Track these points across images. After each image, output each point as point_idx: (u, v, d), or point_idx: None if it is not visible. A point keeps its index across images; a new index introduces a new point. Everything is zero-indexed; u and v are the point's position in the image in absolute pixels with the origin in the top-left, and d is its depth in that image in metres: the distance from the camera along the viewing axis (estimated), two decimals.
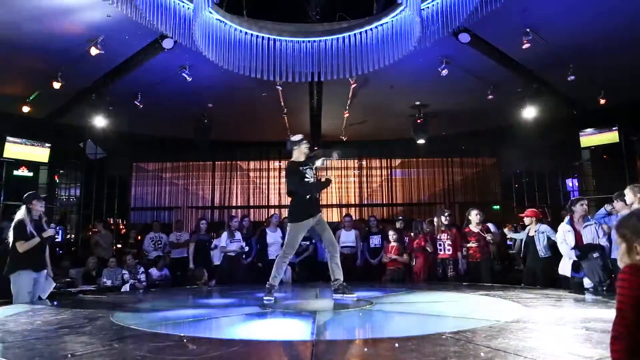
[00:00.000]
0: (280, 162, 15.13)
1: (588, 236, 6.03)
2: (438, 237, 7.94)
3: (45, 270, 5.95)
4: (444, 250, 7.84)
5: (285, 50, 7.70)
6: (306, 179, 5.66)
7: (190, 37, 7.06)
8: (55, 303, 5.72)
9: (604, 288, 5.65)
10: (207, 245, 9.57)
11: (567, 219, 6.38)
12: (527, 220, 7.40)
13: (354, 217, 11.21)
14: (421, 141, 12.41)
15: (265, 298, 5.40)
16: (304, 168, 5.71)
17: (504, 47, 9.04)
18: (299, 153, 5.83)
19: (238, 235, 8.86)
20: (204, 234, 9.75)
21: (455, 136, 14.00)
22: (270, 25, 8.00)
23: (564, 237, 6.26)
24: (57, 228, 5.93)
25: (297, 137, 5.94)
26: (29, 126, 11.06)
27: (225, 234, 8.87)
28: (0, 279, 5.70)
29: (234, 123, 12.83)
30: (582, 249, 5.94)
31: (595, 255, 5.75)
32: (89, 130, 10.90)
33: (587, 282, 5.94)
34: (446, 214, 8.15)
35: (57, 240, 10.78)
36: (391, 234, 8.58)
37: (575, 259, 6.02)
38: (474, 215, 7.78)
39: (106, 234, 10.63)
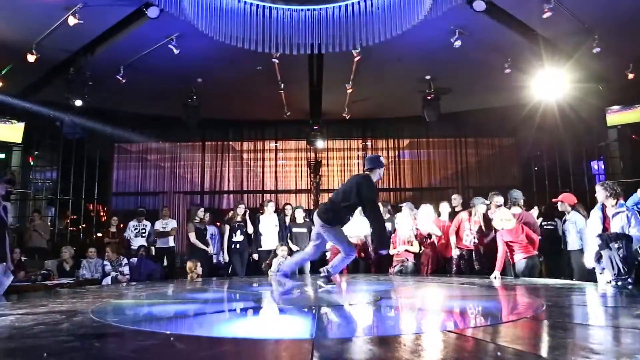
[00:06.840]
0: (276, 143, 15.09)
1: (617, 224, 5.92)
2: (469, 227, 7.92)
3: (5, 263, 5.76)
4: (470, 241, 7.85)
5: (283, 20, 7.63)
6: None
7: (178, 4, 6.99)
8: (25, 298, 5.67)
9: (626, 281, 5.62)
10: (204, 234, 9.69)
11: (599, 204, 6.33)
12: (560, 207, 7.36)
13: None
14: (432, 119, 12.33)
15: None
16: None
17: (523, 16, 8.96)
18: (375, 176, 5.72)
19: None
20: (199, 222, 9.80)
21: (469, 114, 13.88)
22: None
23: (592, 223, 6.23)
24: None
25: (382, 159, 5.93)
26: (0, 103, 10.98)
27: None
28: None
29: (225, 100, 12.76)
30: (605, 238, 5.88)
31: (617, 245, 5.64)
32: (66, 107, 10.84)
33: (607, 275, 5.90)
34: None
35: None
36: (399, 222, 8.57)
37: (597, 247, 5.99)
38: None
39: (42, 223, 10.86)
